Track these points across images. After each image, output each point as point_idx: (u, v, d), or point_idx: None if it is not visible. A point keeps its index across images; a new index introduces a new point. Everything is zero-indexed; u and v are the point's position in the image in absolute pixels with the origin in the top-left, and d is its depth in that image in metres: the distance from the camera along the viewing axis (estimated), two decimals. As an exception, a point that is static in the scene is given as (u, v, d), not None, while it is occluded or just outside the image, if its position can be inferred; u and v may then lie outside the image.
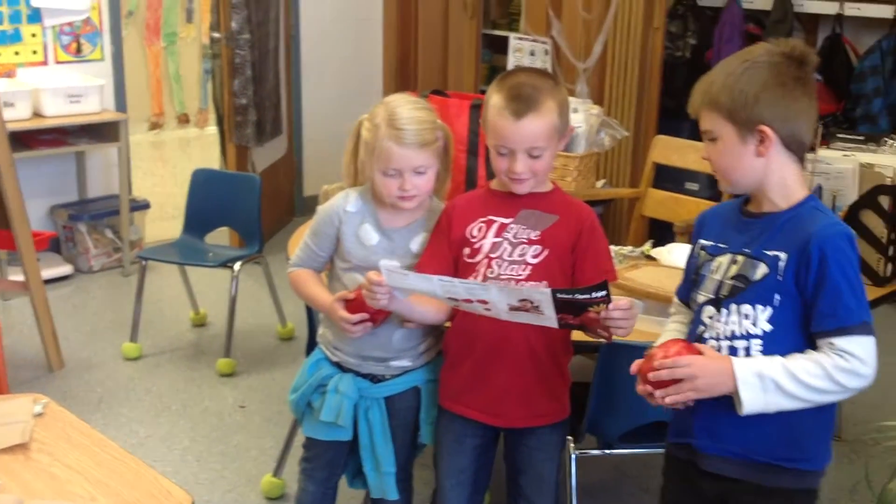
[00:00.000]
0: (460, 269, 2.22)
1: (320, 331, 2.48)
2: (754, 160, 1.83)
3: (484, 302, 1.99)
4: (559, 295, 1.89)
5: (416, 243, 2.30)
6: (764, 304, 1.81)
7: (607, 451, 2.77)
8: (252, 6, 5.11)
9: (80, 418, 2.04)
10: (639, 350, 2.38)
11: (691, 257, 2.00)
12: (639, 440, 2.66)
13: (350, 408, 2.35)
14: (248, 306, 4.65)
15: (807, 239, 1.77)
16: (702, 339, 1.88)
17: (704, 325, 1.89)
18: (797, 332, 1.80)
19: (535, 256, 2.16)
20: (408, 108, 2.25)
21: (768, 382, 1.75)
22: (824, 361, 1.74)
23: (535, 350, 2.18)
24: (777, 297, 1.80)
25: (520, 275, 2.15)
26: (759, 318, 1.81)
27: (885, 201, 2.95)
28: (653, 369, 1.82)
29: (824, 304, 1.76)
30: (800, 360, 1.76)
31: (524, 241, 2.17)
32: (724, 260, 1.88)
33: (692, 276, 1.96)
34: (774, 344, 1.80)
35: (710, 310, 1.88)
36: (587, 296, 1.89)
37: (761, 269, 1.81)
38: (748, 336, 1.82)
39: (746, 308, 1.82)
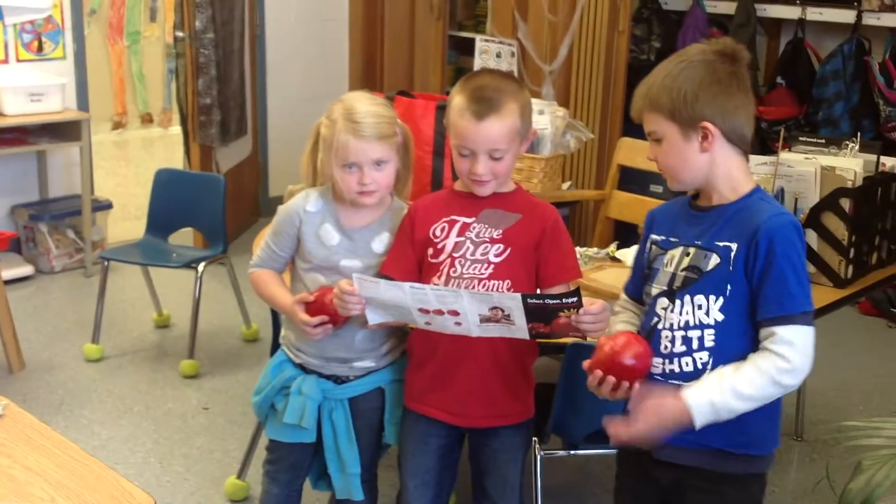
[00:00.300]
0: (424, 269, 2.22)
1: (283, 332, 2.47)
2: (699, 156, 1.88)
3: (455, 314, 1.99)
4: (530, 301, 1.90)
5: (378, 243, 2.30)
6: (717, 295, 1.85)
7: (572, 452, 2.78)
8: (216, 5, 5.08)
9: (42, 420, 2.02)
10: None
11: (641, 253, 2.04)
12: (604, 441, 2.66)
13: (314, 409, 2.34)
14: (213, 307, 4.62)
15: (755, 229, 1.82)
16: (655, 330, 1.92)
17: (658, 316, 1.93)
18: (746, 320, 1.85)
19: (497, 255, 2.16)
20: (365, 102, 2.27)
21: (720, 408, 1.81)
22: (768, 368, 1.79)
23: (498, 351, 2.18)
24: (728, 286, 1.84)
25: (482, 273, 2.15)
26: (712, 309, 1.85)
27: (845, 204, 2.98)
28: (602, 361, 1.87)
29: (770, 292, 1.81)
30: (746, 374, 1.80)
31: (486, 240, 2.17)
32: (676, 253, 1.93)
33: (644, 271, 2.00)
34: (725, 333, 1.85)
35: (663, 301, 1.92)
36: (558, 301, 1.91)
37: (713, 260, 1.86)
38: (702, 326, 1.86)
39: (700, 298, 1.86)
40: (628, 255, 3.04)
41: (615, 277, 2.82)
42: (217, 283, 4.69)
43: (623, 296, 2.12)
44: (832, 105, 4.85)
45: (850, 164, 3.05)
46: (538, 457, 2.65)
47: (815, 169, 3.03)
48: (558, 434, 2.69)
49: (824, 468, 3.19)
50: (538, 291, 2.20)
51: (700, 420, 1.80)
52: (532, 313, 1.92)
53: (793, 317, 1.81)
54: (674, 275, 1.91)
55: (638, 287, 2.03)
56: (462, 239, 2.19)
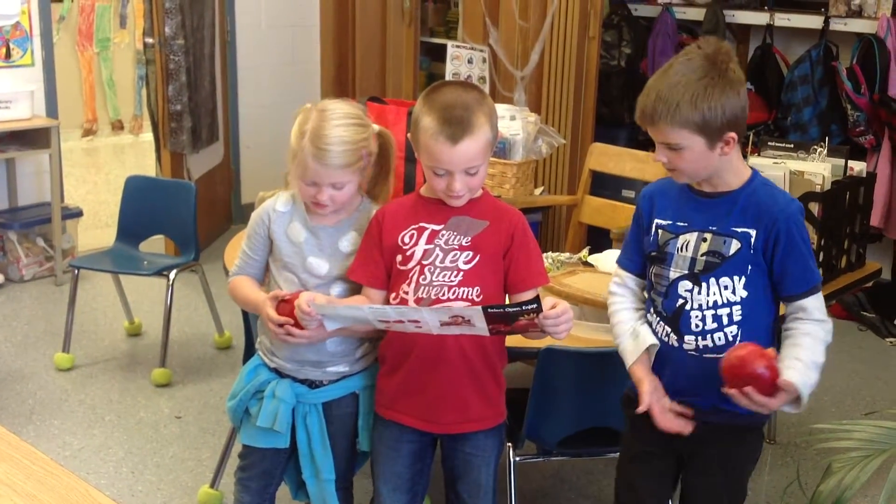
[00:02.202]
0: (393, 276, 2.22)
1: (259, 337, 2.46)
2: (718, 159, 2.03)
3: (416, 321, 2.02)
4: (490, 310, 1.94)
5: (345, 242, 2.30)
6: (739, 275, 2.04)
7: (547, 458, 2.79)
8: (186, 11, 5.05)
9: (12, 431, 2.00)
10: (576, 356, 2.41)
11: (642, 234, 2.15)
12: (577, 446, 2.69)
13: (287, 413, 2.33)
14: (185, 315, 4.59)
15: (774, 217, 2.02)
16: (684, 311, 2.08)
17: (684, 298, 2.08)
18: (766, 294, 2.07)
19: (466, 262, 2.17)
20: (336, 124, 2.21)
21: (813, 381, 2.00)
22: (823, 336, 2.04)
23: (469, 356, 2.19)
24: (749, 267, 2.04)
25: (452, 281, 2.16)
26: (737, 287, 2.05)
27: (814, 208, 3.01)
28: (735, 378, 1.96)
29: (795, 270, 2.03)
30: (814, 348, 2.02)
31: (455, 247, 2.18)
32: (690, 238, 2.08)
33: (653, 252, 2.12)
34: (750, 306, 2.05)
35: (687, 284, 2.08)
36: (517, 308, 1.95)
37: (734, 245, 2.04)
38: (730, 303, 2.05)
39: (725, 280, 2.05)
40: (600, 259, 3.05)
41: (587, 282, 2.83)
42: (189, 291, 4.66)
43: (622, 272, 2.21)
44: (801, 110, 4.89)
45: (819, 168, 3.09)
46: (513, 462, 2.65)
47: (783, 173, 3.06)
48: (532, 439, 2.70)
49: (797, 471, 3.21)
50: (506, 296, 2.22)
51: (806, 396, 1.98)
52: (493, 320, 1.96)
53: (816, 287, 2.06)
54: (693, 259, 2.06)
55: (639, 263, 2.18)
56: (431, 247, 2.19)
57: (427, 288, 2.16)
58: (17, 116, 4.83)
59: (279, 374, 2.37)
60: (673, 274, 2.09)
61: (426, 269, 2.17)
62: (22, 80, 5.02)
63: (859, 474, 2.00)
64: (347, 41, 5.98)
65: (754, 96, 5.11)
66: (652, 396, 2.08)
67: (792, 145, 3.29)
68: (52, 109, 5.23)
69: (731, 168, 2.06)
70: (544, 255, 3.07)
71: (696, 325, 2.07)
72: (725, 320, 2.05)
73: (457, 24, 5.77)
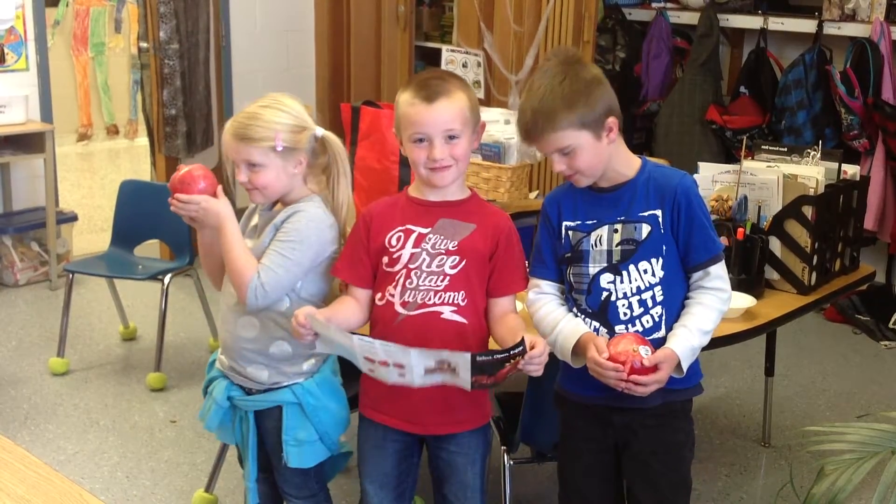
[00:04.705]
0: (379, 276, 2.22)
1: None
2: (607, 148, 2.12)
3: (400, 367, 1.98)
4: (479, 358, 1.92)
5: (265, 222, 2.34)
6: (656, 257, 2.12)
7: (541, 461, 2.79)
8: (181, 16, 5.06)
9: (6, 435, 2.00)
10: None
11: (553, 240, 2.20)
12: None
13: (217, 413, 2.38)
14: (179, 320, 4.59)
15: (672, 193, 2.11)
16: (610, 303, 2.14)
17: (607, 290, 2.14)
18: (679, 270, 2.15)
19: (453, 267, 2.17)
20: (259, 104, 2.29)
21: (696, 348, 2.11)
22: (715, 304, 2.13)
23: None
24: (664, 247, 2.12)
25: (438, 285, 2.16)
26: (656, 269, 2.13)
27: (808, 211, 3.02)
28: (634, 370, 2.02)
29: (698, 241, 2.12)
30: (702, 315, 2.11)
31: (442, 251, 2.18)
32: (602, 232, 2.14)
33: (567, 254, 2.18)
34: (669, 284, 2.13)
35: (608, 276, 2.14)
36: (505, 354, 1.94)
37: (645, 229, 2.12)
38: (651, 286, 2.13)
39: (644, 264, 2.13)
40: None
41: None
42: (184, 295, 4.66)
43: (538, 281, 2.23)
44: (795, 114, 4.90)
45: (812, 171, 3.09)
46: (507, 465, 2.65)
47: (777, 177, 3.06)
48: (527, 443, 2.70)
49: (790, 473, 3.22)
50: (486, 300, 2.22)
51: (685, 363, 2.08)
52: (479, 368, 1.94)
53: (718, 255, 2.15)
54: (609, 251, 2.13)
55: (553, 269, 2.22)
56: (418, 250, 2.19)
57: (413, 292, 2.17)
58: (12, 121, 4.83)
59: (223, 373, 2.41)
60: (592, 269, 2.15)
61: (413, 273, 2.18)
62: (16, 85, 5.02)
63: (852, 476, 2.00)
64: (342, 45, 5.99)
65: (748, 100, 5.13)
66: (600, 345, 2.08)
67: (786, 149, 3.30)
68: (46, 114, 5.23)
69: (622, 160, 2.16)
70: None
71: (625, 314, 2.13)
72: (650, 303, 2.13)
73: (451, 29, 5.78)
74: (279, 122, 2.26)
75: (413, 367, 1.96)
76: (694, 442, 2.28)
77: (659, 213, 2.12)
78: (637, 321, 2.14)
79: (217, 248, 2.31)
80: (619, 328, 2.13)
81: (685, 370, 2.09)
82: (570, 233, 2.18)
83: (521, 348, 1.93)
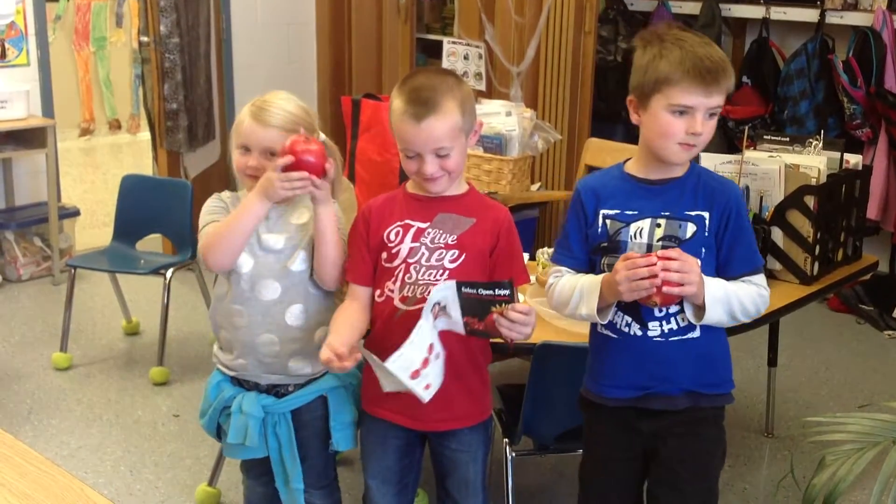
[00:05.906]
0: (378, 272, 2.22)
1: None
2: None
3: (431, 350, 2.01)
4: (464, 289, 1.95)
5: (296, 216, 2.32)
6: (695, 258, 2.01)
7: (544, 453, 2.79)
8: (181, 9, 5.05)
9: (9, 430, 2.00)
10: (572, 350, 2.41)
11: (587, 227, 2.11)
12: (574, 441, 2.68)
13: (256, 427, 2.33)
14: (182, 314, 4.59)
15: (725, 198, 2.07)
16: None
17: None
18: (712, 274, 2.07)
19: (452, 261, 2.17)
20: (281, 97, 2.32)
21: (725, 302, 2.01)
22: (755, 292, 2.07)
23: (453, 355, 2.17)
24: (703, 250, 2.06)
25: (437, 280, 2.15)
26: None
27: (810, 201, 3.01)
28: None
29: (743, 251, 2.08)
30: (743, 291, 2.05)
31: (441, 245, 2.17)
32: (643, 225, 2.07)
33: (603, 244, 2.09)
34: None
35: None
36: (491, 291, 1.95)
37: (690, 228, 2.06)
38: None
39: None
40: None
41: (583, 277, 2.83)
42: (186, 290, 4.66)
43: (560, 268, 2.15)
44: (797, 103, 4.89)
45: (814, 161, 3.08)
46: (510, 457, 2.65)
47: (779, 167, 3.05)
48: (529, 435, 2.70)
49: (791, 463, 3.22)
50: None
51: (709, 300, 1.99)
52: (466, 302, 1.96)
53: (759, 268, 2.11)
54: (650, 245, 2.05)
55: (581, 259, 2.14)
56: (417, 245, 2.18)
57: (412, 287, 2.16)
58: (13, 116, 4.83)
59: (242, 385, 2.37)
60: None
61: (411, 268, 2.17)
62: (17, 80, 5.01)
63: (853, 467, 2.00)
64: (343, 38, 5.98)
65: (751, 90, 5.11)
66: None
67: (788, 139, 3.29)
68: (47, 109, 5.23)
69: None
70: (540, 250, 3.08)
71: (659, 310, 2.06)
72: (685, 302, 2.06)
73: (453, 21, 5.76)
74: (305, 121, 2.30)
75: (434, 343, 2.01)
76: (725, 451, 2.21)
77: (706, 215, 2.06)
78: (672, 319, 2.07)
79: (252, 227, 2.26)
80: (652, 324, 2.07)
81: (706, 312, 2.00)
82: (607, 221, 2.10)
83: (507, 291, 1.94)
